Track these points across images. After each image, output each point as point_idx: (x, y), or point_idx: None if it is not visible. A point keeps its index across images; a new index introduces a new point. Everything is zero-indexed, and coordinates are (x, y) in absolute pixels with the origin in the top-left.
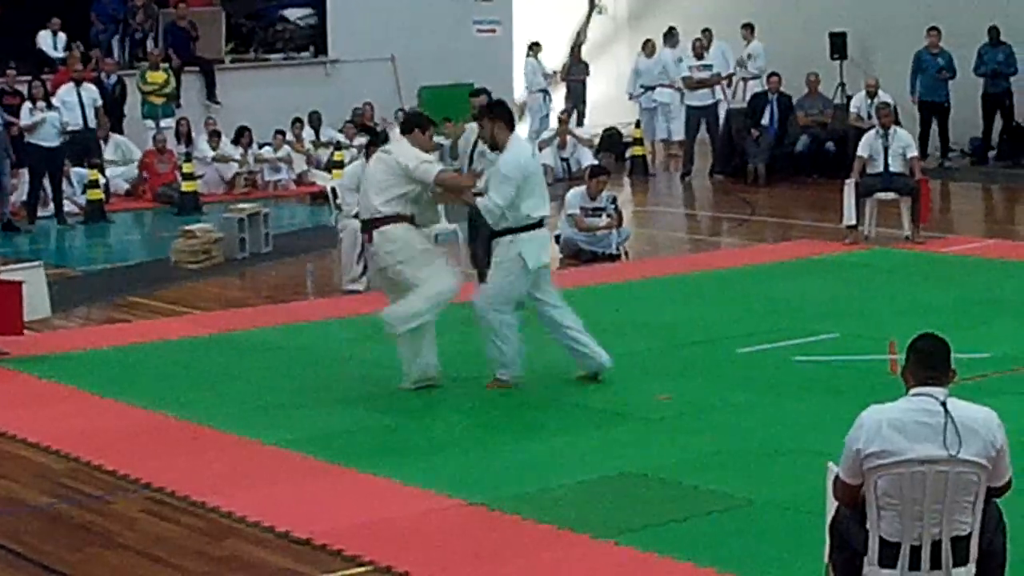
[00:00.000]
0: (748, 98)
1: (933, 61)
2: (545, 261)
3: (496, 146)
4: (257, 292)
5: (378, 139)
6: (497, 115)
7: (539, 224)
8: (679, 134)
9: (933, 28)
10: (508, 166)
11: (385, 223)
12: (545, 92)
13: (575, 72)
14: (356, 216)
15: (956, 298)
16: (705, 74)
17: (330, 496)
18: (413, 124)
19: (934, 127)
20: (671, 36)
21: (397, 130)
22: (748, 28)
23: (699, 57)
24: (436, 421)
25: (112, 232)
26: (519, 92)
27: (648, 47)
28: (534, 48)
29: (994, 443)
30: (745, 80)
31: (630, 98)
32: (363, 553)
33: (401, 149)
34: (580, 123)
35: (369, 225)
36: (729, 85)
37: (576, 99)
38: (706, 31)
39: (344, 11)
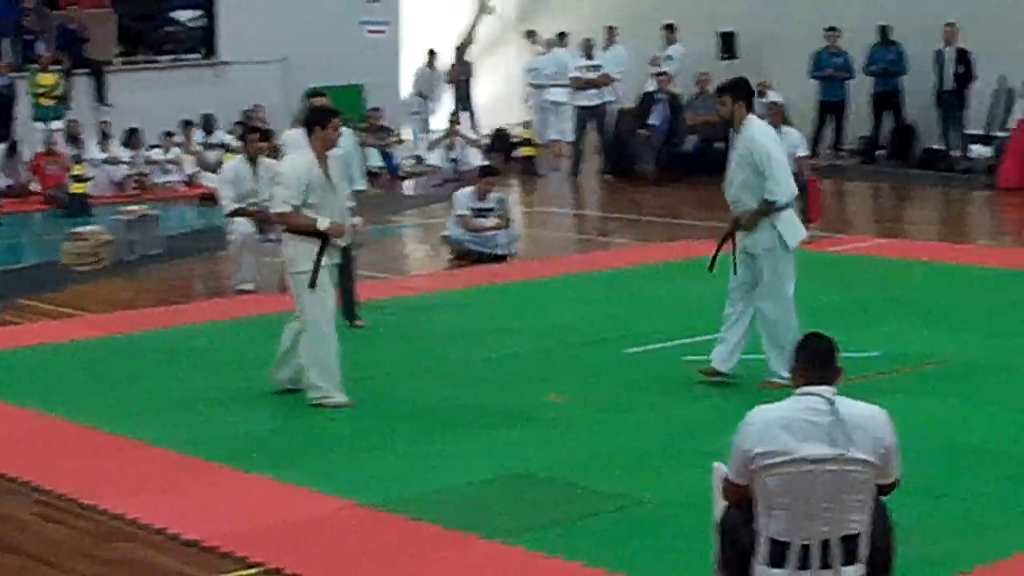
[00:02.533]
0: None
1: (830, 61)
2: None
3: (733, 124)
4: (147, 294)
5: (264, 135)
6: (740, 95)
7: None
8: (568, 134)
9: (831, 28)
10: (770, 143)
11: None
12: (425, 98)
13: (460, 73)
14: (237, 212)
15: (845, 297)
16: (593, 74)
17: (221, 498)
18: (313, 122)
19: (828, 126)
20: (561, 36)
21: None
22: (669, 29)
23: (588, 57)
24: (327, 423)
25: (0, 234)
26: (405, 93)
27: (542, 42)
28: (431, 56)
29: (883, 441)
30: (612, 81)
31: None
32: (253, 555)
33: (287, 158)
34: (471, 123)
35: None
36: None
37: (462, 100)
38: (610, 29)
39: (233, 13)
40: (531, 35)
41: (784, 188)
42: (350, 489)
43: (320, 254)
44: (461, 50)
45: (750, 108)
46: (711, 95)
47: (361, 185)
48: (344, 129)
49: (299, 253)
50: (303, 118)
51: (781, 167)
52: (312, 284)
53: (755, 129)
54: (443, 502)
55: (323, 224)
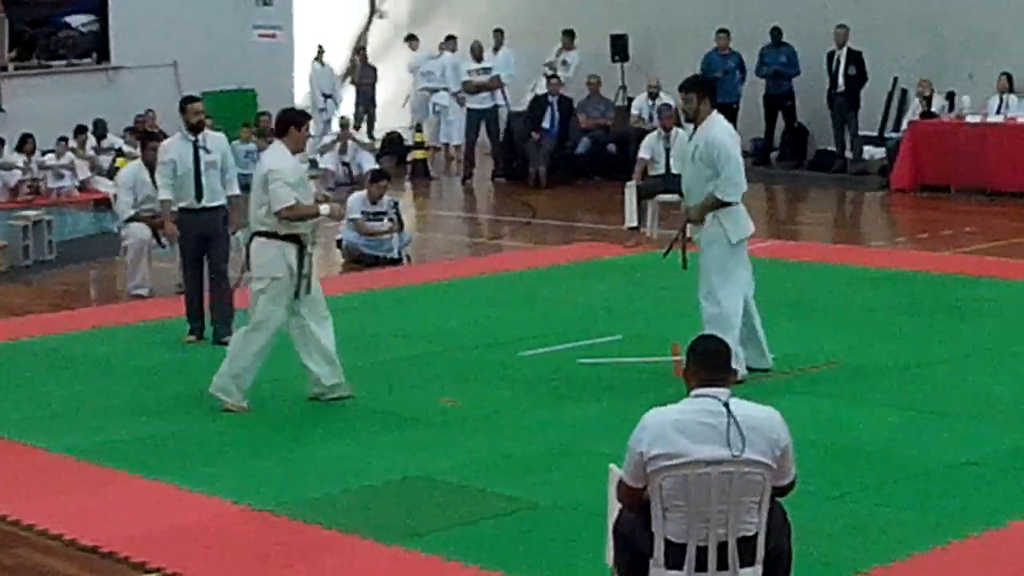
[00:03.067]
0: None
1: (722, 62)
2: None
3: (694, 120)
4: (42, 299)
5: (156, 138)
6: (705, 91)
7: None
8: (459, 138)
9: (723, 30)
10: (728, 140)
11: (257, 236)
12: (328, 96)
13: (364, 75)
14: (134, 218)
15: None
16: (484, 77)
17: (117, 504)
18: (288, 123)
19: None
20: (450, 40)
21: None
22: (568, 35)
23: (478, 60)
24: (222, 427)
25: None
26: (300, 96)
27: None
28: (319, 53)
29: (778, 442)
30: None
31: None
32: (150, 560)
33: (270, 157)
34: (371, 127)
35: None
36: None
37: (366, 103)
38: (498, 32)
39: (126, 18)
40: (412, 39)
41: (735, 189)
42: (247, 493)
43: (300, 261)
44: (363, 54)
45: (713, 105)
46: (602, 97)
47: (235, 190)
48: (218, 135)
49: (273, 259)
50: (277, 120)
51: (737, 167)
52: (298, 293)
53: (718, 127)
54: (339, 506)
55: (325, 210)
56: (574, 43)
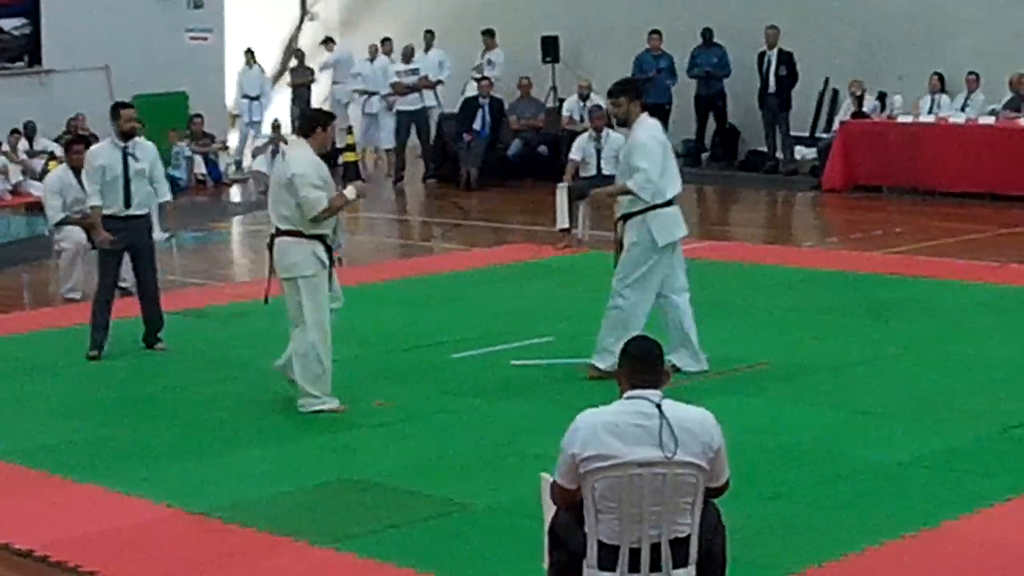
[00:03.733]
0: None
1: (654, 63)
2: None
3: (626, 123)
4: None
5: (81, 142)
6: (633, 94)
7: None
8: (390, 141)
9: (655, 31)
10: (649, 140)
11: (282, 235)
12: (256, 99)
13: (300, 77)
14: (64, 221)
15: None
16: (413, 79)
17: (51, 508)
18: (314, 124)
19: None
20: (385, 43)
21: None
22: (489, 35)
23: (407, 62)
24: (156, 430)
25: None
26: (231, 99)
27: (370, 51)
28: (249, 55)
29: (711, 444)
30: (432, 85)
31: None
32: (83, 564)
33: (295, 159)
34: None
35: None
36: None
37: (303, 104)
38: (429, 33)
39: (58, 21)
40: (328, 42)
41: (649, 187)
42: (181, 496)
43: (329, 256)
44: (300, 55)
45: (643, 107)
46: (533, 99)
47: (166, 196)
48: (147, 143)
49: (304, 257)
50: (302, 120)
51: (654, 164)
52: (328, 287)
53: (644, 127)
54: (273, 508)
55: (351, 194)
56: (495, 41)
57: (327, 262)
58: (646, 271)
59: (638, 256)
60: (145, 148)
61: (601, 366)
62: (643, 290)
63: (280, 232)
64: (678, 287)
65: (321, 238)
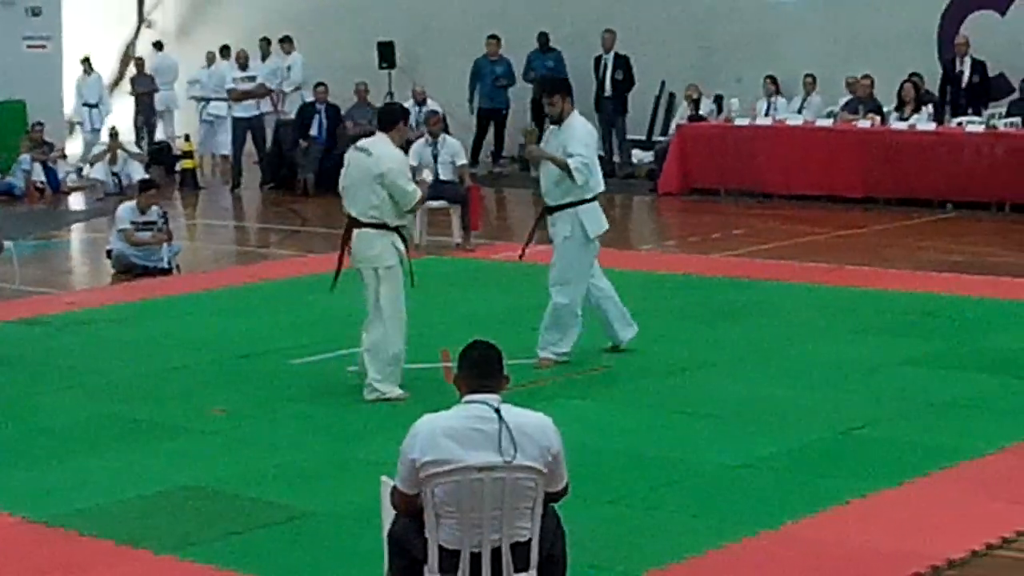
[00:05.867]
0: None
1: (492, 68)
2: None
3: (559, 121)
4: None
5: None
6: (567, 93)
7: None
8: (230, 147)
9: (492, 36)
10: (585, 132)
11: (364, 227)
12: (95, 106)
13: (141, 85)
14: None
15: (508, 304)
16: (250, 85)
17: None
18: (395, 118)
19: (490, 134)
20: (225, 50)
21: None
22: (287, 41)
23: (243, 68)
24: None
25: None
26: (69, 107)
27: (207, 58)
28: (86, 63)
29: (550, 448)
30: (284, 93)
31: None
32: None
33: (383, 155)
34: (151, 136)
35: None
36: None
37: (146, 112)
38: (264, 41)
39: None
40: (158, 46)
41: (586, 171)
42: (22, 505)
43: (405, 246)
44: (140, 64)
45: (572, 105)
46: (370, 105)
47: None
48: None
49: (385, 248)
50: (383, 114)
51: (591, 154)
52: (412, 280)
53: (578, 123)
54: (112, 516)
55: (428, 177)
56: (292, 47)
57: (405, 252)
58: (582, 263)
59: (574, 250)
60: None
61: (553, 356)
62: (581, 281)
63: (362, 224)
64: (598, 272)
65: (399, 229)
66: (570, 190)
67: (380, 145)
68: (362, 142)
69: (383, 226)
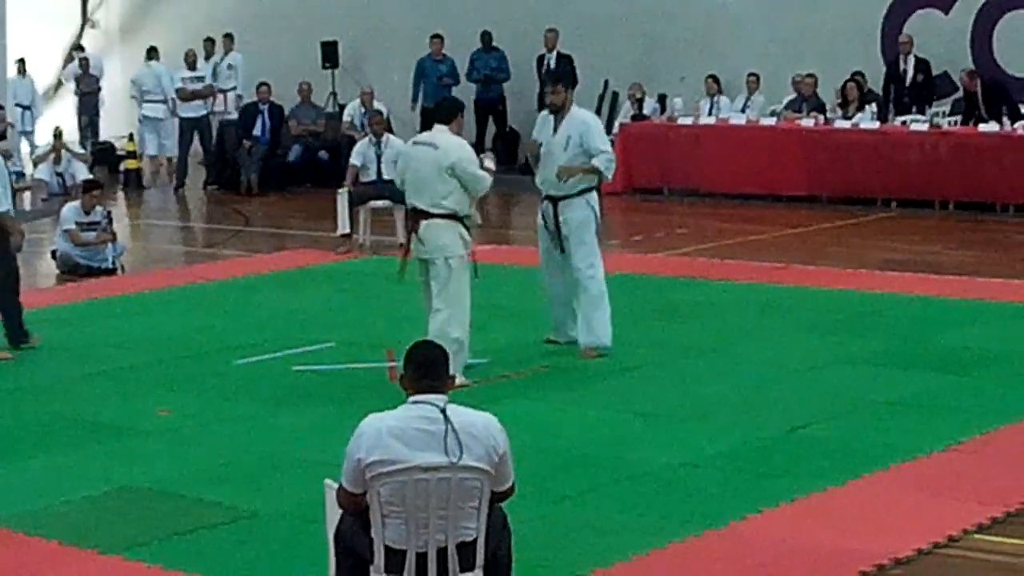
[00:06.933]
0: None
1: (436, 68)
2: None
3: (560, 111)
4: None
5: None
6: (569, 83)
7: None
8: (173, 148)
9: (436, 36)
10: (600, 125)
11: (435, 218)
12: (27, 108)
13: (86, 85)
14: None
15: None
16: (198, 86)
17: None
18: (455, 111)
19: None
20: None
21: None
22: (228, 38)
23: (191, 68)
24: None
25: None
26: (9, 109)
27: (149, 56)
28: (20, 64)
29: (496, 448)
30: (225, 92)
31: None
32: None
33: (451, 145)
34: (95, 136)
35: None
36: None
37: (89, 112)
38: (209, 41)
39: None
40: (80, 49)
41: (613, 166)
42: None
43: (469, 235)
44: (85, 62)
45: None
46: (313, 104)
47: (6, 206)
48: None
49: (453, 238)
50: (442, 107)
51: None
52: (476, 272)
53: (588, 117)
54: (58, 518)
55: (492, 164)
56: (233, 45)
57: (470, 242)
58: (596, 244)
59: (592, 233)
60: None
61: (599, 344)
62: (600, 258)
63: (430, 215)
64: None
65: (464, 220)
66: (583, 179)
67: (444, 137)
68: (421, 136)
69: (452, 216)
